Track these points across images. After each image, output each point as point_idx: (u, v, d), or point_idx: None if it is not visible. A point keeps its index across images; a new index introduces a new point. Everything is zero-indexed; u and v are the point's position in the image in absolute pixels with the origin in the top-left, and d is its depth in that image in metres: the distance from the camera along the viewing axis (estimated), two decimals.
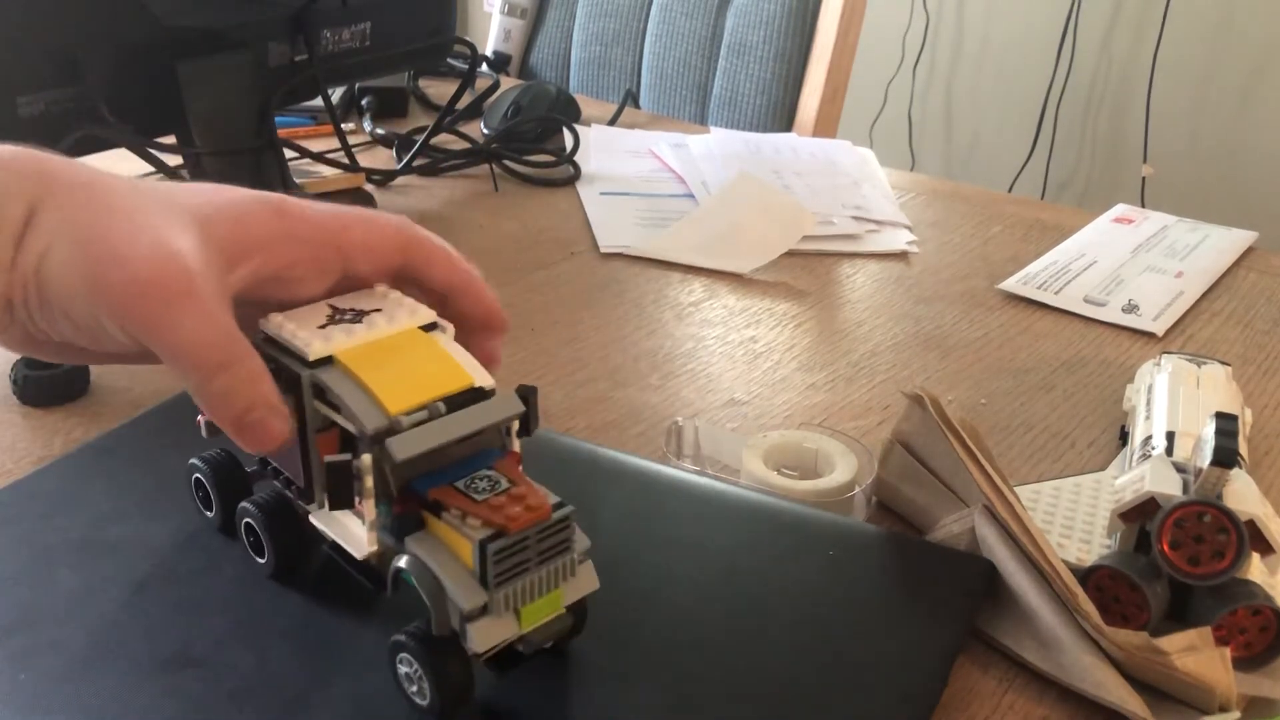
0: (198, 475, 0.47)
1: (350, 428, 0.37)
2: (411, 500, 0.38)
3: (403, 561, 0.37)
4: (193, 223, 0.37)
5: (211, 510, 0.48)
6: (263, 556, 0.45)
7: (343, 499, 0.37)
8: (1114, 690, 0.42)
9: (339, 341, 0.39)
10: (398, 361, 0.39)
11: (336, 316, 0.40)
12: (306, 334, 0.39)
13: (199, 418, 0.40)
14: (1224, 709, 0.42)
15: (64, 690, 0.39)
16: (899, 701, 0.41)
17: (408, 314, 0.41)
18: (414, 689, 0.38)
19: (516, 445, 0.40)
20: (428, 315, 0.41)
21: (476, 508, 0.36)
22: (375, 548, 0.39)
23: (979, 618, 0.47)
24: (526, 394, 0.39)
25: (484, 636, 0.37)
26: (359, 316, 0.40)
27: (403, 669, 0.39)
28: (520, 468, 0.39)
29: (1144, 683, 0.43)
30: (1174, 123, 2.19)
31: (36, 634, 0.42)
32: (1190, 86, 2.15)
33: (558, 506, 0.37)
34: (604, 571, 0.40)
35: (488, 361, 0.41)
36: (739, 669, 0.42)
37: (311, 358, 0.38)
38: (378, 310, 0.41)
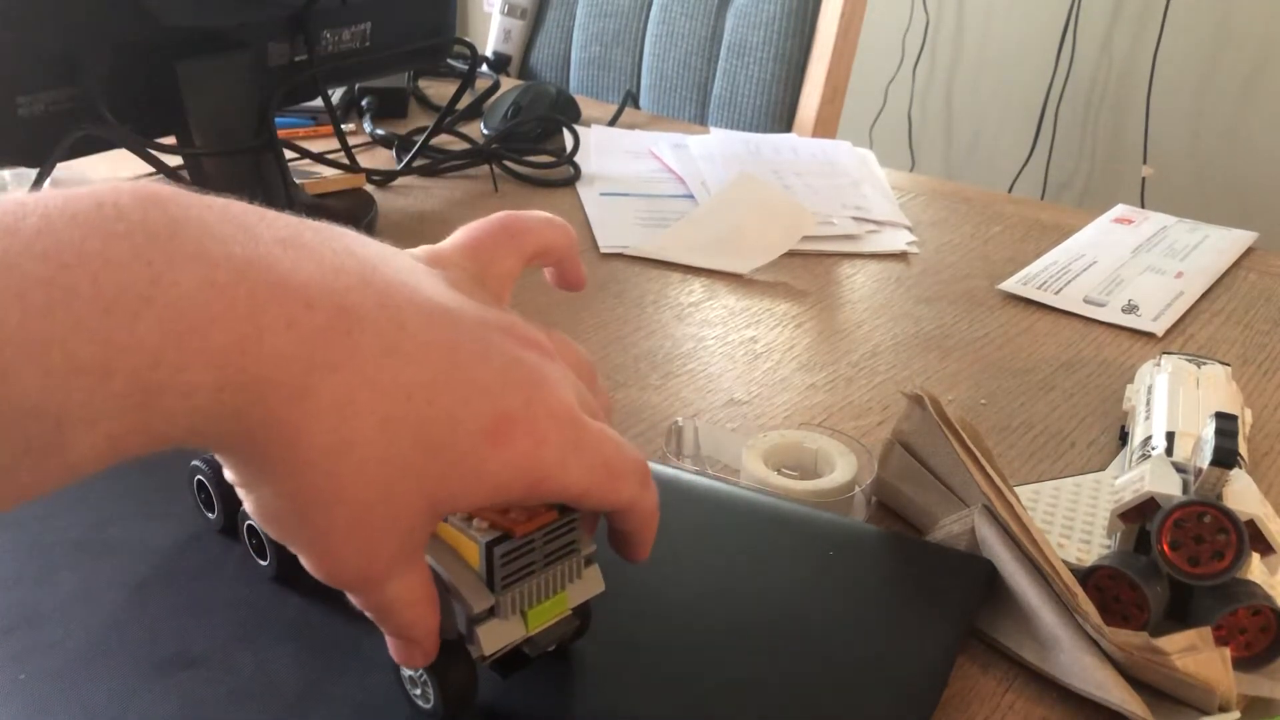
0: (199, 477, 0.47)
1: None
2: None
3: None
4: (417, 522, 0.33)
5: (213, 512, 0.47)
6: (265, 559, 0.45)
7: None
8: (1114, 690, 0.42)
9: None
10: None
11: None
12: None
13: None
14: (1224, 709, 0.42)
15: (64, 690, 0.39)
16: (899, 701, 0.41)
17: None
18: (417, 692, 0.38)
19: None
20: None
21: (482, 510, 0.36)
22: None
23: (979, 618, 0.47)
24: None
25: (492, 639, 0.37)
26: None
27: (406, 672, 0.38)
28: None
29: (1144, 683, 0.43)
30: (1174, 123, 2.19)
31: (36, 634, 0.42)
32: (1190, 86, 2.15)
33: (564, 510, 0.37)
34: (604, 572, 0.40)
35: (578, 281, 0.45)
36: (739, 669, 0.42)
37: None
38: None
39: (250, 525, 0.44)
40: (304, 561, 0.33)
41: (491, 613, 0.36)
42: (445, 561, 0.36)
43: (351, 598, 0.35)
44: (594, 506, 0.36)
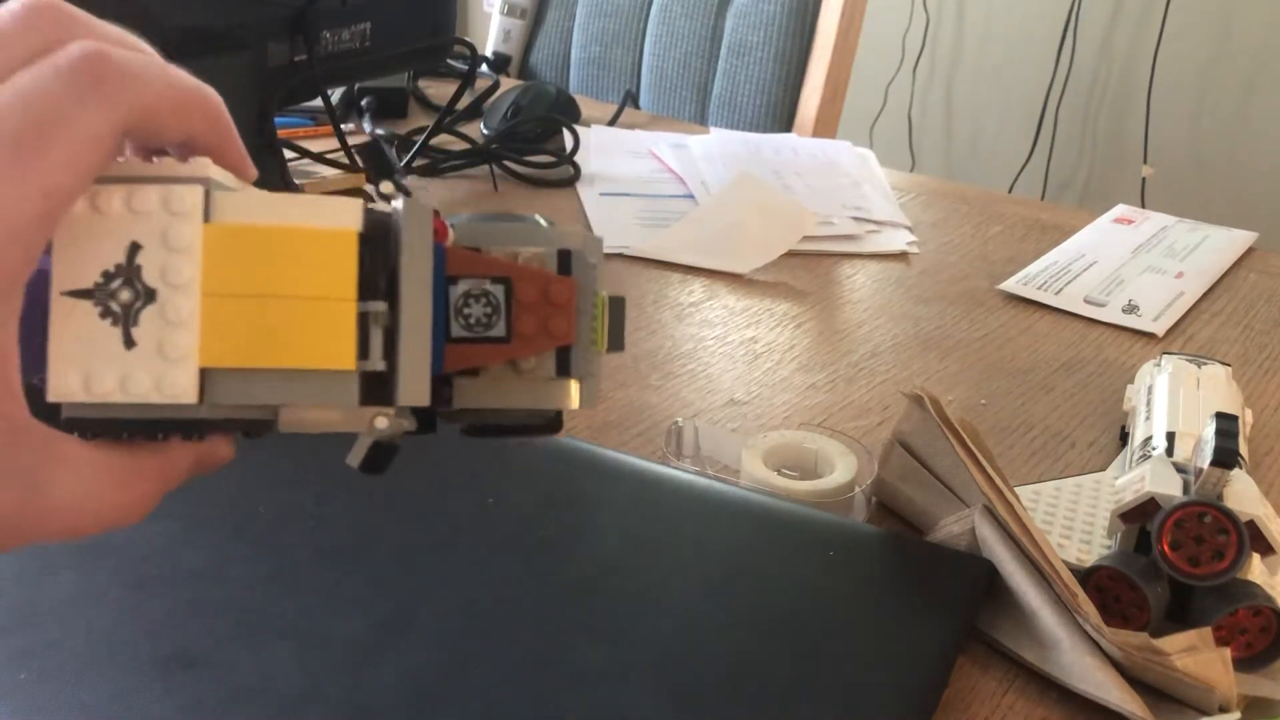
0: None
1: (320, 424, 0.29)
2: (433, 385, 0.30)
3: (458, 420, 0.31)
4: None
5: None
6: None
7: (378, 466, 0.30)
8: (1114, 691, 0.42)
9: (182, 348, 0.27)
10: (263, 301, 0.28)
11: (115, 310, 0.27)
12: (142, 375, 0.27)
13: None
14: (1224, 709, 0.42)
15: (64, 690, 0.39)
16: (899, 701, 0.41)
17: (173, 216, 0.27)
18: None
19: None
20: (193, 193, 0.28)
21: (512, 347, 0.30)
22: (412, 428, 0.30)
23: (979, 618, 0.47)
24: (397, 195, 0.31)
25: (591, 394, 0.31)
26: (138, 286, 0.27)
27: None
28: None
29: (1144, 683, 0.43)
30: (1174, 123, 2.19)
31: (36, 634, 0.42)
32: (1190, 86, 2.15)
33: (563, 270, 0.30)
34: (604, 573, 0.39)
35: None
36: (739, 669, 0.42)
37: (197, 400, 0.27)
38: (137, 247, 0.27)
39: None
40: None
41: (581, 378, 0.31)
42: (500, 397, 0.31)
43: None
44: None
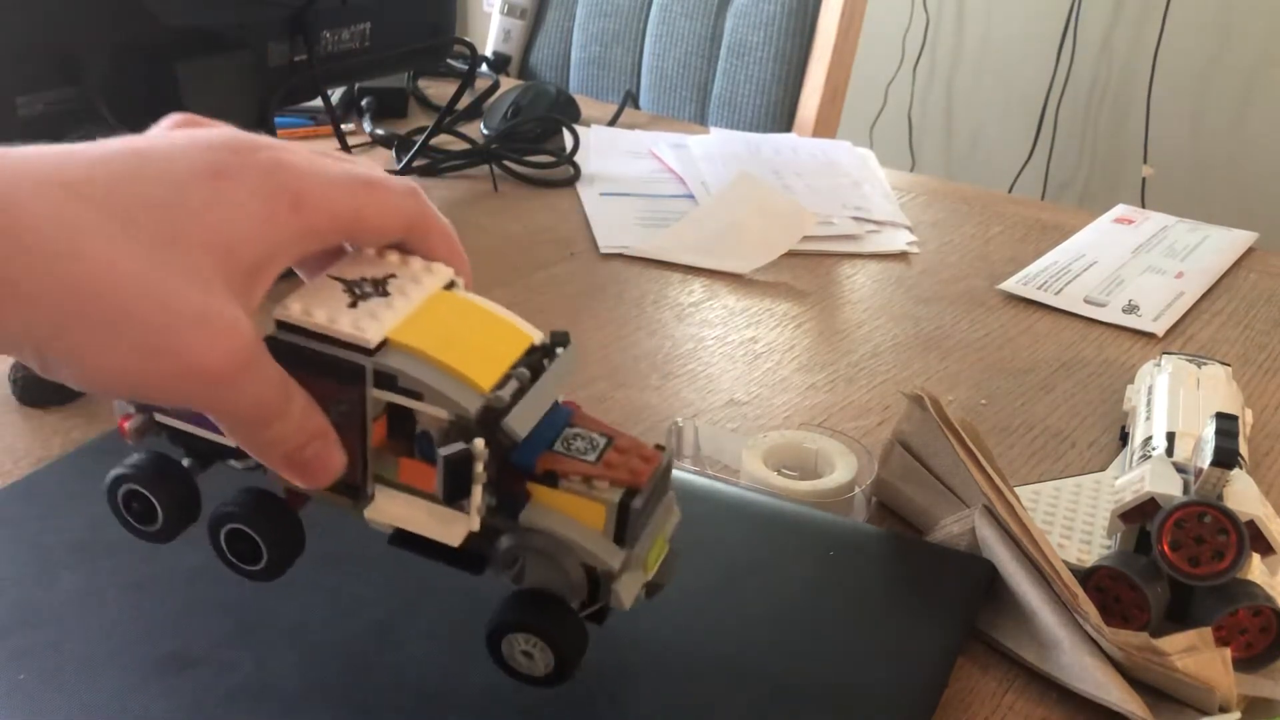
0: (130, 486, 0.40)
1: (440, 414, 0.35)
2: (518, 475, 0.36)
3: (517, 538, 0.36)
4: (214, 267, 0.32)
5: (154, 523, 0.40)
6: (257, 563, 0.40)
7: (460, 489, 0.35)
8: (1114, 691, 0.42)
9: (386, 321, 0.35)
10: (452, 331, 0.36)
11: (358, 291, 0.36)
12: (346, 319, 0.35)
13: (122, 421, 0.38)
14: (1224, 710, 0.42)
15: (64, 690, 0.39)
16: (899, 701, 0.41)
17: (426, 274, 0.38)
18: (528, 662, 0.37)
19: (562, 396, 0.39)
20: (445, 272, 0.38)
21: (596, 469, 0.36)
22: (476, 529, 0.36)
23: (979, 618, 0.47)
24: (566, 340, 0.39)
25: (628, 592, 0.37)
26: (381, 288, 0.37)
27: (518, 646, 0.37)
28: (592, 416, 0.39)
29: (1144, 683, 0.43)
30: (1174, 123, 2.19)
31: (36, 634, 0.42)
32: (1190, 86, 2.15)
33: (660, 448, 0.37)
34: None
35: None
36: (739, 669, 0.42)
37: (373, 345, 0.35)
38: (392, 276, 0.37)
39: (232, 529, 0.39)
40: (143, 389, 0.32)
41: (624, 568, 0.36)
42: (565, 526, 0.36)
43: (230, 427, 0.34)
44: (375, 230, 0.37)
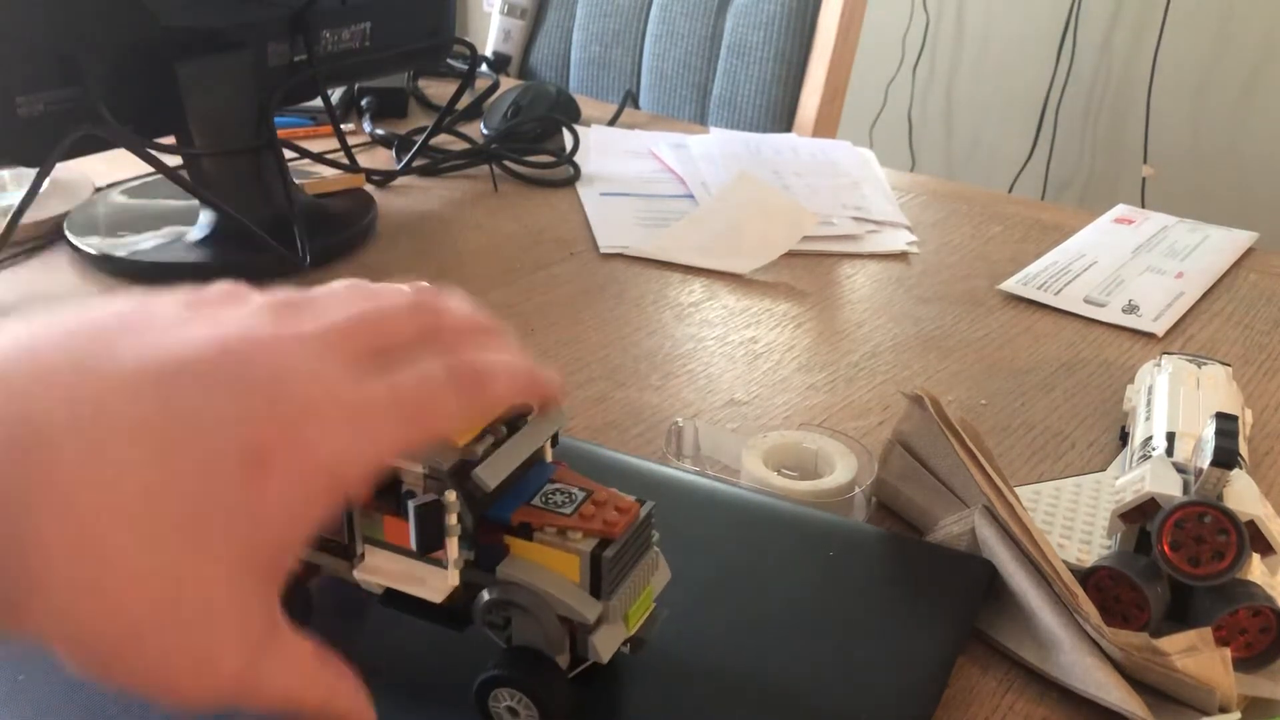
0: None
1: (417, 469, 0.36)
2: (494, 529, 0.37)
3: (495, 592, 0.37)
4: (241, 569, 0.29)
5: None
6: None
7: (433, 541, 0.36)
8: (1114, 691, 0.42)
9: None
10: None
11: None
12: None
13: None
14: (1224, 710, 0.42)
15: (64, 690, 0.39)
16: (899, 701, 0.41)
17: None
18: (512, 719, 0.38)
19: (550, 455, 0.40)
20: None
21: (570, 521, 0.36)
22: (456, 584, 0.37)
23: (979, 618, 0.47)
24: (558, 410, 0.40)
25: (606, 646, 0.37)
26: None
27: (503, 703, 0.38)
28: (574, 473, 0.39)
29: (1144, 683, 0.43)
30: (1174, 123, 2.19)
31: None
32: (1190, 86, 2.15)
33: (640, 502, 0.38)
34: None
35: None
36: (739, 669, 0.42)
37: None
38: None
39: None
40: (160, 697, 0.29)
41: (601, 620, 0.37)
42: (541, 579, 0.36)
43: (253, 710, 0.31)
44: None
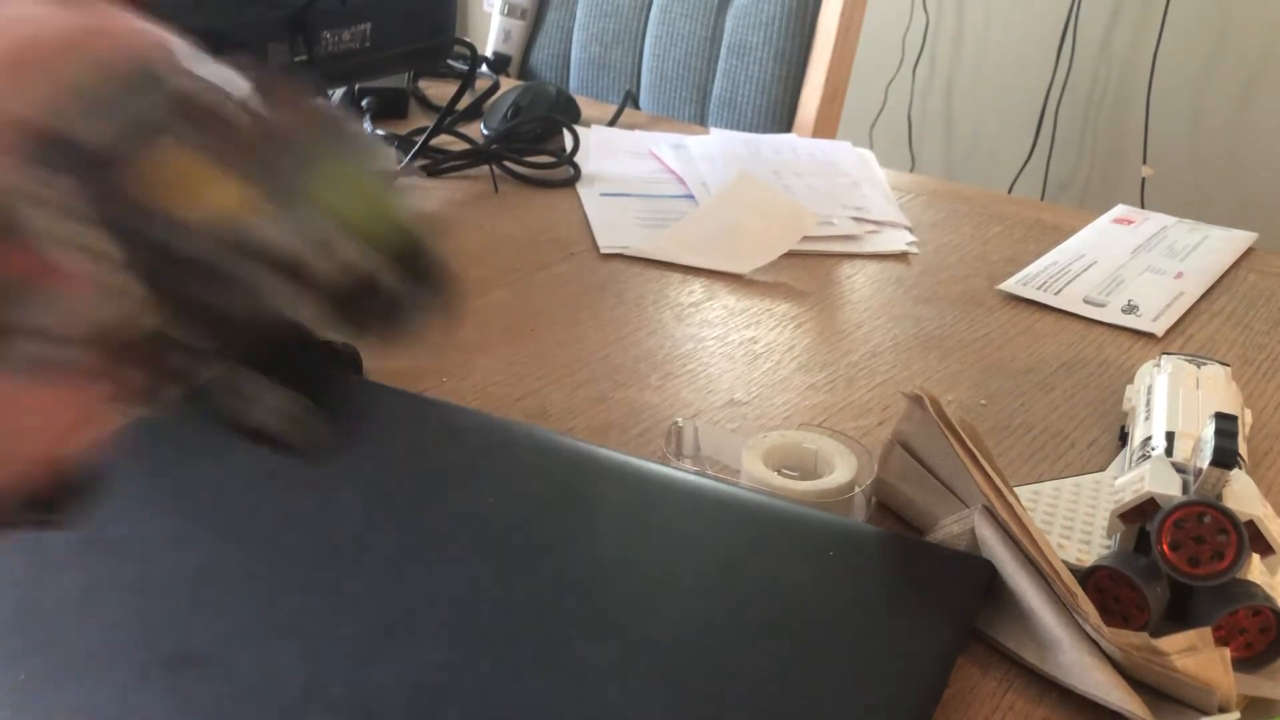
0: None
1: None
2: None
3: None
4: None
5: None
6: None
7: None
8: (1114, 691, 0.42)
9: None
10: None
11: None
12: None
13: None
14: (1224, 710, 0.42)
15: (64, 690, 0.39)
16: (899, 701, 0.41)
17: None
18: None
19: None
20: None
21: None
22: None
23: (979, 618, 0.47)
24: None
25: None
26: None
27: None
28: None
29: (1144, 683, 0.43)
30: (1174, 123, 2.19)
31: (36, 634, 0.42)
32: (1190, 86, 2.15)
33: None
34: (604, 573, 0.39)
35: None
36: (738, 669, 0.42)
37: None
38: None
39: None
40: None
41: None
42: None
43: None
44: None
